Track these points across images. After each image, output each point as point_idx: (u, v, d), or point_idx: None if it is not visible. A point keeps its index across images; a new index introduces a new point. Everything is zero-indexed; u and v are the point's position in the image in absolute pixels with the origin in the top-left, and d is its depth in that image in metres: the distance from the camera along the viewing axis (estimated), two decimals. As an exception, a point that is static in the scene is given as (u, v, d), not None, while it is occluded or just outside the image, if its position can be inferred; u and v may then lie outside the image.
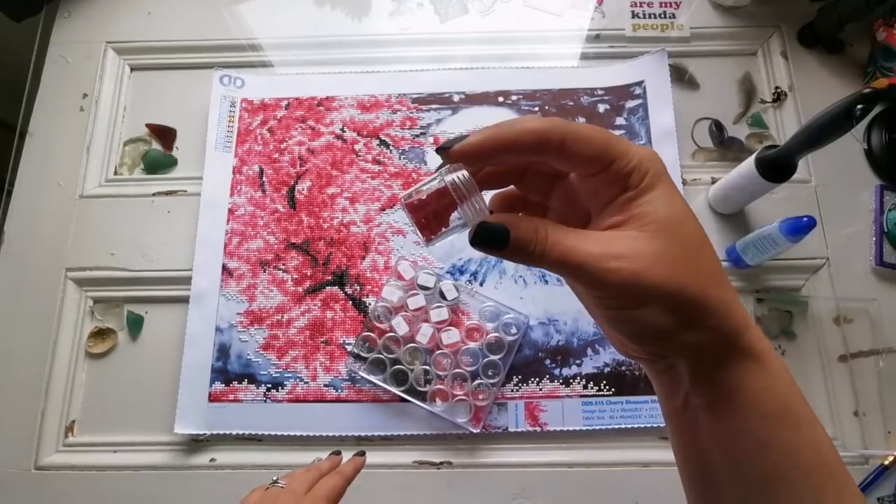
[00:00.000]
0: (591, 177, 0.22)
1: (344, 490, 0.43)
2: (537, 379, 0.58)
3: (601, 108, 0.66)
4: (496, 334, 0.58)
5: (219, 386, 0.58)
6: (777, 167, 0.53)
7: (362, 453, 0.48)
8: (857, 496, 0.22)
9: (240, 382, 0.58)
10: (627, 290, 0.21)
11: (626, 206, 0.22)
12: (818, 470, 0.22)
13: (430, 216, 0.23)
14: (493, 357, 0.57)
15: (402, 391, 0.56)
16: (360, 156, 0.65)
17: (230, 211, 0.63)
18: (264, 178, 0.65)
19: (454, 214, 0.22)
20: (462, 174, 0.22)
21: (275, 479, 0.41)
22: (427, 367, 0.57)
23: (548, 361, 0.58)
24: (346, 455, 0.48)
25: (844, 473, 0.22)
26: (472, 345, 0.57)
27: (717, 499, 0.24)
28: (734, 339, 0.22)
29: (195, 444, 0.58)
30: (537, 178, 0.25)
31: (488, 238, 0.21)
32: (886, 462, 0.55)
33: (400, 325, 0.57)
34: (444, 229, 0.23)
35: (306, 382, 0.58)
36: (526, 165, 0.25)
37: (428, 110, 0.67)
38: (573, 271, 0.21)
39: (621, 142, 0.21)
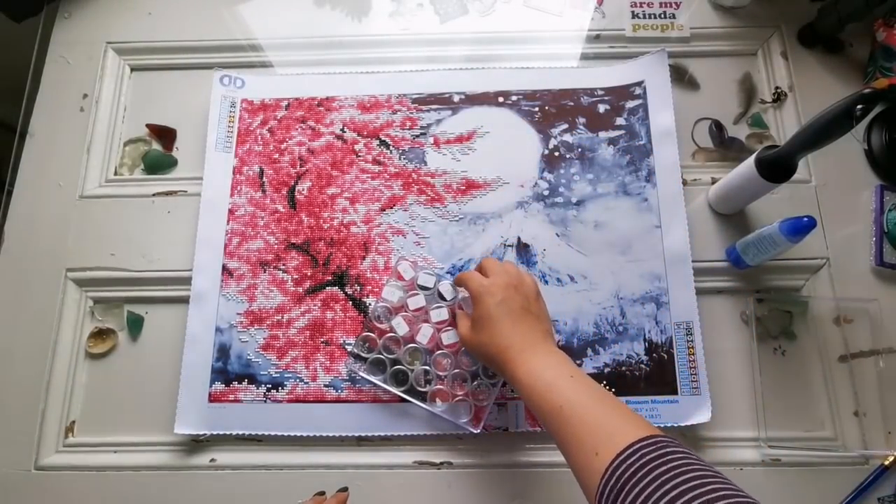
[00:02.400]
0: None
1: None
2: (537, 379, 0.58)
3: (601, 108, 0.66)
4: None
5: (219, 386, 0.58)
6: (777, 167, 0.53)
7: (345, 489, 0.51)
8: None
9: (240, 383, 0.58)
10: (462, 341, 0.53)
11: None
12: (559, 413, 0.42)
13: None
14: (493, 357, 0.57)
15: (403, 391, 0.56)
16: (360, 156, 0.65)
17: (230, 211, 0.63)
18: (264, 179, 0.65)
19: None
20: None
21: None
22: (427, 368, 0.57)
23: (548, 361, 0.58)
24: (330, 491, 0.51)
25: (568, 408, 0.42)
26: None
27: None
28: (513, 369, 0.46)
29: (195, 444, 0.58)
30: None
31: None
32: (886, 462, 0.55)
33: (400, 326, 0.57)
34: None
35: (306, 383, 0.58)
36: None
37: (428, 110, 0.67)
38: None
39: (471, 282, 0.52)
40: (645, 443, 0.36)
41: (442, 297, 0.58)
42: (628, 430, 0.37)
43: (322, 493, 0.50)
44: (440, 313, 0.57)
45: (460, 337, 0.52)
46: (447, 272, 0.61)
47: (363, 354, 0.58)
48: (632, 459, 0.35)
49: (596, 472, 0.36)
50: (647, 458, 0.35)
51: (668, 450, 0.35)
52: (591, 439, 0.38)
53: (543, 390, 0.43)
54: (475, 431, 0.55)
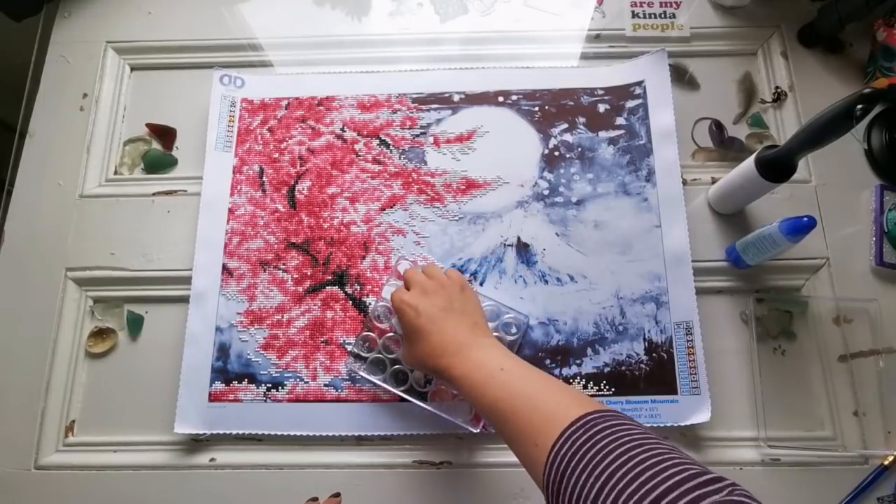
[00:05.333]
0: None
1: None
2: (537, 379, 0.58)
3: (601, 107, 0.66)
4: (496, 334, 0.57)
5: (219, 386, 0.58)
6: (777, 167, 0.53)
7: (337, 495, 0.50)
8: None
9: (240, 382, 0.58)
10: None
11: None
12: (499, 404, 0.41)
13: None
14: (493, 357, 0.57)
15: (402, 391, 0.56)
16: (360, 155, 0.65)
17: (230, 211, 0.63)
18: (264, 178, 0.65)
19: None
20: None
21: None
22: (427, 367, 0.57)
23: (548, 361, 0.58)
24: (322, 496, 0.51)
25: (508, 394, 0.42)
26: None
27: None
28: (450, 377, 0.46)
29: (195, 443, 0.58)
30: None
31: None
32: (886, 462, 0.55)
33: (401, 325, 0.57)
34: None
35: (306, 382, 0.58)
36: None
37: (428, 110, 0.67)
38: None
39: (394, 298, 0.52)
40: (576, 426, 0.35)
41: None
42: (560, 413, 0.36)
43: (315, 500, 0.50)
44: None
45: (402, 360, 0.53)
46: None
47: (363, 354, 0.58)
48: (566, 447, 0.34)
49: (539, 464, 0.35)
50: (579, 442, 0.33)
51: (598, 427, 0.34)
52: (529, 430, 0.37)
53: (478, 391, 0.43)
54: (475, 431, 0.55)
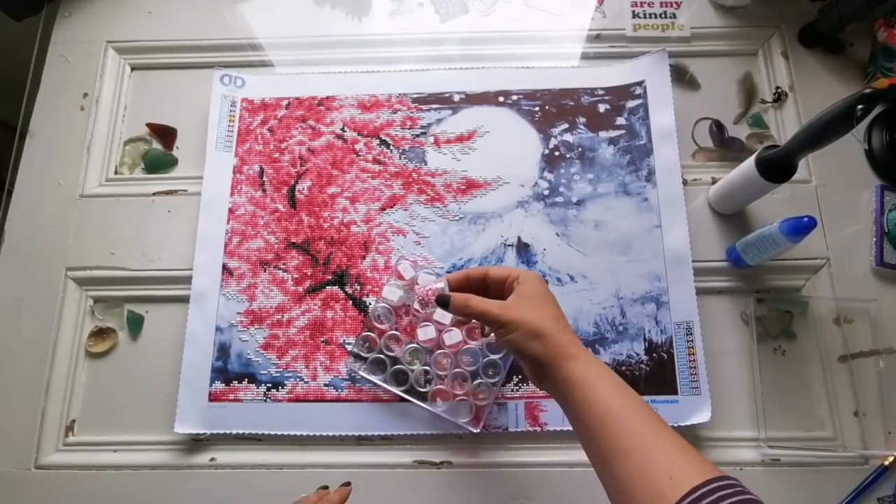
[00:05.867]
0: (499, 284, 0.48)
1: None
2: (537, 379, 0.58)
3: (601, 107, 0.66)
4: (496, 334, 0.58)
5: (219, 385, 0.58)
6: (777, 167, 0.53)
7: (348, 483, 0.50)
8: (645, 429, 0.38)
9: (240, 382, 0.58)
10: (496, 318, 0.44)
11: (510, 292, 0.46)
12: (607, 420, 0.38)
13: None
14: (493, 356, 0.57)
15: (403, 391, 0.56)
16: (360, 155, 0.65)
17: (230, 210, 0.63)
18: (265, 178, 0.65)
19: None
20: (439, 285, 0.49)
21: None
22: (427, 367, 0.57)
23: (548, 361, 0.58)
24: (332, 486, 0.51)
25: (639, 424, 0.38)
26: (472, 344, 0.57)
27: (592, 463, 0.40)
28: (561, 357, 0.42)
29: (195, 443, 0.58)
30: (479, 283, 0.50)
31: (441, 301, 0.47)
32: (886, 462, 0.55)
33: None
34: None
35: (306, 382, 0.58)
36: (477, 283, 0.50)
37: (428, 110, 0.67)
38: (482, 315, 0.45)
39: (508, 270, 0.48)
40: (722, 483, 0.33)
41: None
42: (696, 466, 0.34)
43: (325, 487, 0.50)
44: (444, 314, 0.57)
45: (493, 315, 0.44)
46: (447, 272, 0.61)
47: (363, 354, 0.58)
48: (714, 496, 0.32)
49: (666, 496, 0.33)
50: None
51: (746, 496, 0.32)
52: (659, 463, 0.35)
53: (590, 393, 0.40)
54: (475, 431, 0.55)
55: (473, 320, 0.58)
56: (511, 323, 0.43)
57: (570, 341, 0.43)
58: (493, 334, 0.57)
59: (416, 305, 0.56)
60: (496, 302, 0.45)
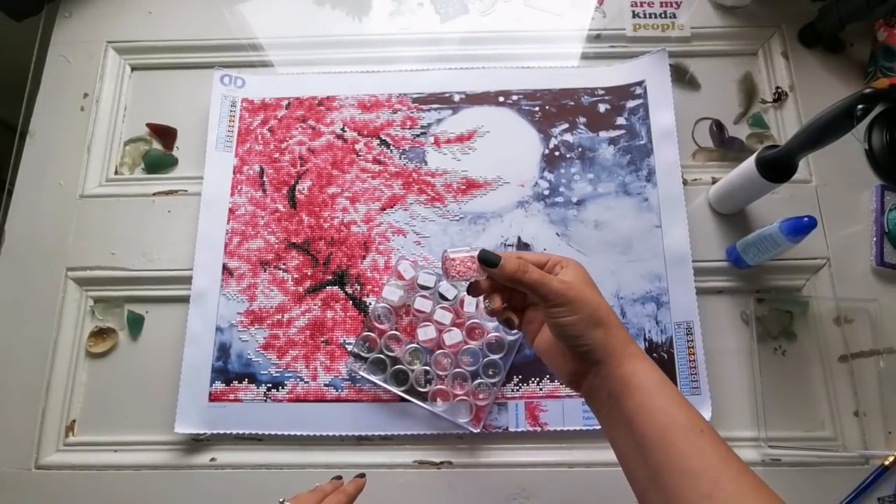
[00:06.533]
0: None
1: None
2: (537, 379, 0.58)
3: (601, 107, 0.66)
4: (496, 334, 0.58)
5: (219, 385, 0.58)
6: (777, 167, 0.53)
7: (363, 475, 0.49)
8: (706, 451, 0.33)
9: (240, 382, 0.58)
10: (559, 293, 0.37)
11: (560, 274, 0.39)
12: (671, 429, 0.34)
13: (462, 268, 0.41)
14: (493, 356, 0.57)
15: (403, 391, 0.56)
16: (360, 155, 0.65)
17: (231, 210, 0.63)
18: (265, 178, 0.65)
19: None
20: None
21: (281, 500, 0.42)
22: (427, 367, 0.57)
23: (548, 361, 0.58)
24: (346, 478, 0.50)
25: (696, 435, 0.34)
26: (472, 344, 0.57)
27: (632, 473, 0.36)
28: (622, 354, 0.37)
29: (195, 443, 0.58)
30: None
31: (487, 259, 0.39)
32: (886, 462, 0.55)
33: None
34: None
35: (306, 382, 0.58)
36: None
37: (428, 110, 0.67)
38: (538, 286, 0.37)
39: (548, 254, 0.41)
40: None
41: (444, 298, 0.58)
42: (763, 499, 0.32)
43: (339, 478, 0.49)
44: (444, 315, 0.57)
45: (553, 288, 0.37)
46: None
47: (363, 354, 0.58)
48: None
49: None
50: None
51: None
52: (727, 493, 0.32)
53: (652, 399, 0.36)
54: (475, 431, 0.55)
55: (473, 320, 0.58)
56: (576, 302, 0.36)
57: (631, 338, 0.38)
58: (503, 330, 0.57)
59: (442, 280, 0.55)
60: (550, 275, 0.38)
